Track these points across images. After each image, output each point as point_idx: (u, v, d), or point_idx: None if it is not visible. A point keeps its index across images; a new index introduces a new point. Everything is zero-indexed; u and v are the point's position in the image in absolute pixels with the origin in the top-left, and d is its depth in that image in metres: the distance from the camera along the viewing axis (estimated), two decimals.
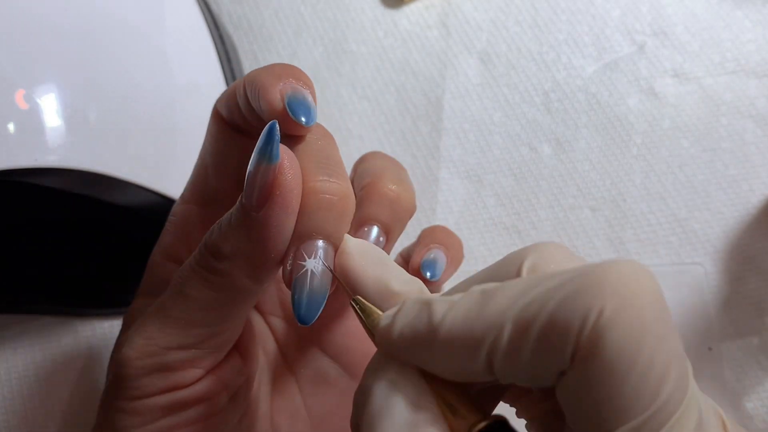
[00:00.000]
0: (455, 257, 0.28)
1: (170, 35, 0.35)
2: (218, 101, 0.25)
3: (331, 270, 0.21)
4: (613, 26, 0.42)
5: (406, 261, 0.29)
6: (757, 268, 0.35)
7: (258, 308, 0.28)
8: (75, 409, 0.37)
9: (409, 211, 0.25)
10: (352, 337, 0.28)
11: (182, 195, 0.27)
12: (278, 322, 0.28)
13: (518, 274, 0.18)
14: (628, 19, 0.43)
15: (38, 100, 0.29)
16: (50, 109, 0.30)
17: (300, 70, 0.23)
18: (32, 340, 0.38)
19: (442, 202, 0.39)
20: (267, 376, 0.27)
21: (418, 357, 0.18)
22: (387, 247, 0.25)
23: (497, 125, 0.41)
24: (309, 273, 0.21)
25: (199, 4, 0.39)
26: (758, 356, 0.33)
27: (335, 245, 0.21)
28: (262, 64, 0.44)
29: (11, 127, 0.29)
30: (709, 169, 0.38)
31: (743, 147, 0.38)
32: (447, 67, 0.43)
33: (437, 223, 0.39)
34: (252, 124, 0.24)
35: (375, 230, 0.24)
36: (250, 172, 0.20)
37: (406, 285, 0.20)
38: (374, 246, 0.22)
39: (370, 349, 0.27)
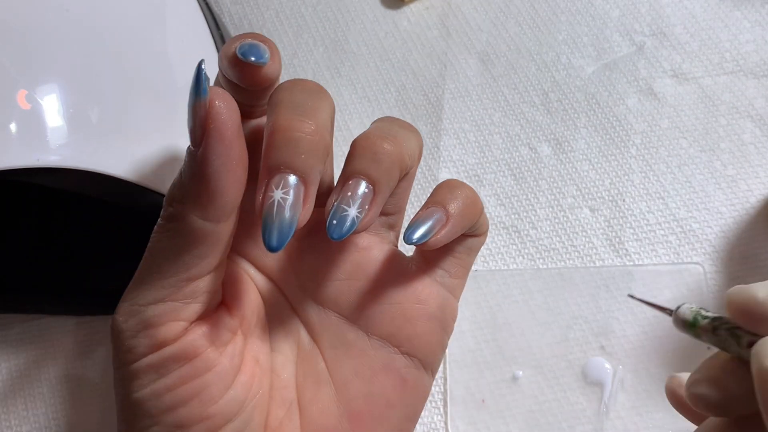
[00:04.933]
0: (456, 214, 0.25)
1: (172, 35, 0.35)
2: None
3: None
4: (613, 26, 0.43)
5: None
6: (756, 267, 0.35)
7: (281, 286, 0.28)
8: (77, 408, 0.37)
9: (397, 162, 0.24)
10: (363, 295, 0.27)
11: None
12: (298, 292, 0.28)
13: None
14: (627, 19, 0.43)
15: (40, 100, 0.29)
16: (52, 109, 0.30)
17: (254, 33, 0.24)
18: (34, 340, 0.38)
19: None
20: (289, 345, 0.27)
21: None
22: (376, 199, 0.24)
23: (497, 125, 0.41)
24: (276, 203, 0.22)
25: (201, 5, 0.39)
26: None
27: (305, 179, 0.22)
28: None
29: (13, 127, 0.29)
30: (708, 169, 0.38)
31: (742, 147, 0.39)
32: (447, 68, 0.43)
33: None
34: (237, 100, 0.25)
35: (362, 183, 0.24)
36: (188, 114, 0.22)
37: None
38: None
39: (385, 305, 0.27)
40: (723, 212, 0.37)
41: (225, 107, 0.22)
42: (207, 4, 0.41)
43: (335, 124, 0.42)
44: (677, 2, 0.43)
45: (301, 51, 0.44)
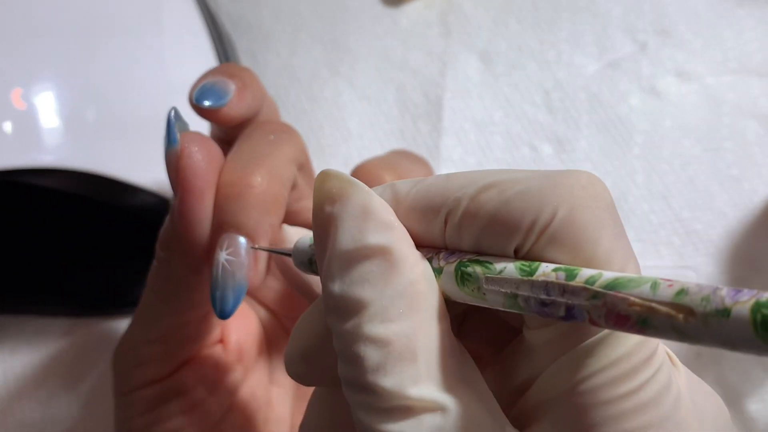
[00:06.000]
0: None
1: (168, 34, 0.35)
2: None
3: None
4: (615, 25, 0.42)
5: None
6: (760, 268, 0.35)
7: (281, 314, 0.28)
8: (73, 410, 0.37)
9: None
10: None
11: None
12: None
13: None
14: (629, 17, 0.42)
15: (35, 100, 0.29)
16: (47, 109, 0.29)
17: (228, 64, 0.23)
18: (29, 341, 0.38)
19: None
20: (288, 380, 0.28)
21: None
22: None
23: (498, 125, 0.41)
24: (220, 266, 0.20)
25: (198, 3, 0.39)
26: (761, 357, 0.33)
27: (253, 238, 0.21)
28: (261, 63, 0.44)
29: (8, 126, 0.28)
30: (711, 169, 0.38)
31: (745, 146, 0.38)
32: (447, 66, 0.43)
33: None
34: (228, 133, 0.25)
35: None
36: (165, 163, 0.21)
37: None
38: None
39: None
40: (727, 213, 0.37)
41: (197, 155, 0.20)
42: (204, 3, 0.40)
43: (333, 123, 0.42)
44: (680, 0, 0.42)
45: (300, 50, 0.44)
